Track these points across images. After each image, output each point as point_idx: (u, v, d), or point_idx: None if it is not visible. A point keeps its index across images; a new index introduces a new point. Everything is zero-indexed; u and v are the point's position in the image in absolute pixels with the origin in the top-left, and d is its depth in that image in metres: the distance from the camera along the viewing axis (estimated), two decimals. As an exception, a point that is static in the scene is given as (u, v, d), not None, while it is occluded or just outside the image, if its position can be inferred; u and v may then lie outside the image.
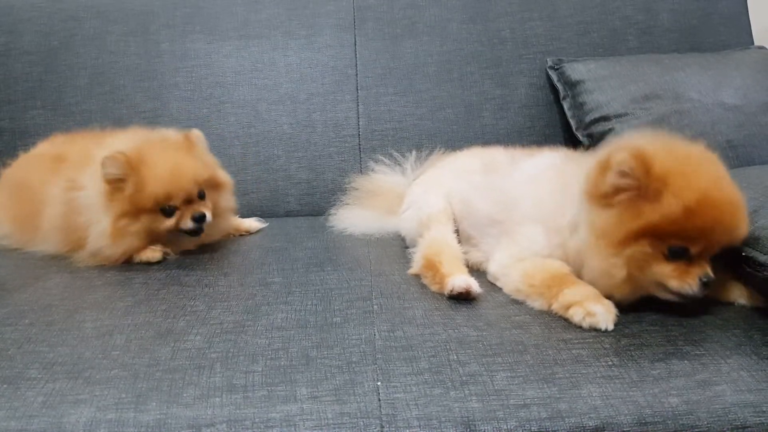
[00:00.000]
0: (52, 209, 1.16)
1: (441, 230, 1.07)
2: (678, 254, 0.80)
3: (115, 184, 1.08)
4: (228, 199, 1.26)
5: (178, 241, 1.15)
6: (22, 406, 0.66)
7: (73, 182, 1.14)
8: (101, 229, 1.09)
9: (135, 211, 1.09)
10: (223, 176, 1.25)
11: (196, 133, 1.22)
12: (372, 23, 1.67)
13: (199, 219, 1.12)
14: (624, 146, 0.82)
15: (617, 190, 0.81)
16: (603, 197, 0.82)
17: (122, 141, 1.15)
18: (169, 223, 1.11)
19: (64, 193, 1.15)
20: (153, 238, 1.13)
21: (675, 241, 0.80)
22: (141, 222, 1.10)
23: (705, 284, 0.80)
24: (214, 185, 1.20)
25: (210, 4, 1.68)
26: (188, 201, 1.12)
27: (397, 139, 1.58)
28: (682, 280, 0.80)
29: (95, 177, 1.10)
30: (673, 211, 0.78)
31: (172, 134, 1.19)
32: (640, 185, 0.79)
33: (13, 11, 1.65)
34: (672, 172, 0.79)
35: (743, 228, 0.82)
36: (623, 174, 0.80)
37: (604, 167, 0.82)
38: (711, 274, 0.81)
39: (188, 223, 1.12)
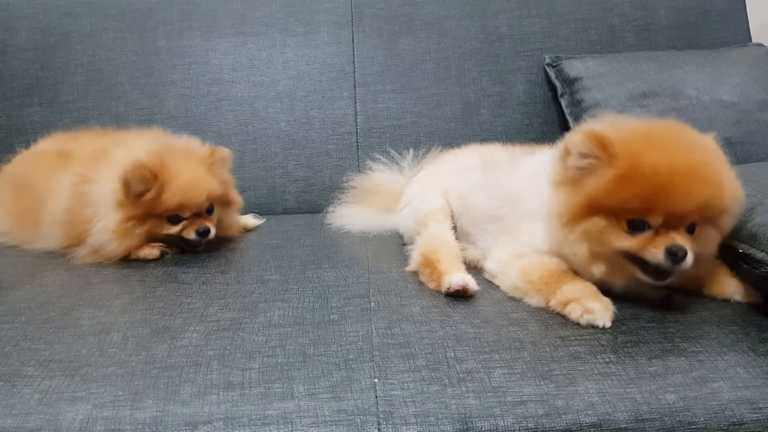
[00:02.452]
0: (56, 204, 1.17)
1: (438, 227, 1.07)
2: (639, 227, 0.79)
3: (137, 194, 1.09)
4: (233, 217, 1.29)
5: (177, 244, 1.17)
6: (18, 403, 0.66)
7: (84, 176, 1.15)
8: (106, 224, 1.10)
9: (145, 216, 1.11)
10: (235, 196, 1.29)
11: (223, 151, 1.24)
12: (369, 20, 1.66)
13: (203, 233, 1.14)
14: (578, 130, 0.85)
15: (582, 172, 0.82)
16: (570, 183, 0.84)
17: (141, 144, 1.16)
18: (173, 230, 1.14)
19: (72, 188, 1.15)
20: (152, 239, 1.14)
21: (630, 215, 0.79)
22: (146, 225, 1.12)
23: (674, 254, 0.77)
24: (225, 203, 1.24)
25: (207, 1, 1.67)
26: (197, 214, 1.15)
27: (395, 137, 1.58)
28: (646, 249, 0.78)
29: (110, 173, 1.11)
30: (607, 181, 0.78)
31: (196, 144, 1.22)
32: (602, 162, 0.80)
33: (9, 8, 1.64)
34: (619, 144, 0.80)
35: (702, 193, 0.77)
36: (584, 155, 0.81)
37: (564, 154, 0.84)
38: (680, 243, 0.77)
39: (191, 235, 1.14)
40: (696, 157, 0.79)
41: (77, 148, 1.27)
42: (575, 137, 0.83)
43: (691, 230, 0.80)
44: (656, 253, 0.78)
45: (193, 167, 1.15)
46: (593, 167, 0.81)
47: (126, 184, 1.08)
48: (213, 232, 1.16)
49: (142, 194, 1.09)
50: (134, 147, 1.14)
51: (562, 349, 0.74)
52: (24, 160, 1.35)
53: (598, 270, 0.84)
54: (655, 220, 0.78)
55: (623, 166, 0.78)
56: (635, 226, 0.79)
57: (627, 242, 0.80)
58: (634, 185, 0.78)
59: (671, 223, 0.78)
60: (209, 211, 1.18)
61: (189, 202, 1.12)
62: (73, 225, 1.13)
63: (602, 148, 0.80)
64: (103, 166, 1.14)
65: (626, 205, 0.79)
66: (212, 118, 1.58)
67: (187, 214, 1.13)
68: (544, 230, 0.91)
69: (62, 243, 1.16)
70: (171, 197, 1.10)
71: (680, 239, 0.78)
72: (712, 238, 0.83)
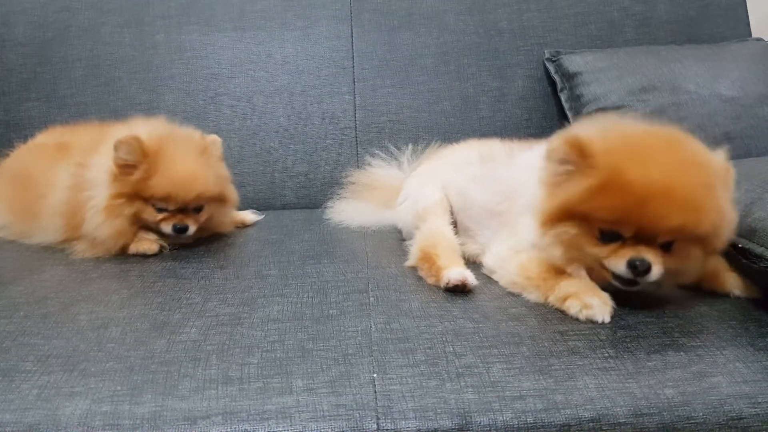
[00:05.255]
0: (55, 196, 1.17)
1: (437, 222, 1.07)
2: (610, 238, 0.79)
3: (124, 168, 1.08)
4: (228, 215, 1.27)
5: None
6: (16, 398, 0.66)
7: (82, 164, 1.14)
8: (98, 202, 1.09)
9: (133, 196, 1.10)
10: (231, 193, 1.25)
11: (215, 140, 1.22)
12: (369, 15, 1.66)
13: (180, 230, 1.12)
14: (561, 134, 0.84)
15: (562, 177, 0.82)
16: (551, 186, 0.83)
17: (144, 127, 1.15)
18: (155, 218, 1.12)
19: (70, 178, 1.15)
20: (141, 224, 1.13)
21: (601, 225, 0.79)
22: (134, 207, 1.11)
23: (634, 267, 0.77)
24: (219, 201, 1.21)
25: (205, -5, 1.67)
26: (181, 209, 1.12)
27: (394, 132, 1.58)
28: (609, 258, 0.79)
29: (104, 155, 1.11)
30: (582, 190, 0.78)
31: (195, 135, 1.19)
32: (578, 169, 0.80)
33: (6, 2, 1.64)
34: (602, 153, 0.78)
35: (675, 217, 0.75)
36: (562, 161, 0.81)
37: (547, 157, 0.84)
38: (644, 257, 0.77)
39: (167, 229, 1.12)
40: (680, 178, 0.76)
41: (75, 139, 1.27)
42: (556, 142, 0.82)
43: (668, 246, 0.79)
44: (618, 264, 0.78)
45: (191, 161, 1.13)
46: (571, 173, 0.81)
47: (115, 149, 1.07)
48: (191, 231, 1.12)
49: (130, 168, 1.08)
50: (135, 129, 1.12)
51: (561, 344, 0.74)
52: (22, 154, 1.35)
53: (577, 273, 0.84)
54: (627, 233, 0.78)
55: (600, 177, 0.77)
56: (607, 235, 0.79)
57: (596, 250, 0.80)
58: (607, 198, 0.77)
59: (643, 237, 0.78)
60: (197, 209, 1.15)
61: (177, 196, 1.10)
62: (72, 215, 1.13)
63: (581, 156, 0.79)
64: (101, 150, 1.14)
65: (597, 214, 0.78)
66: (211, 113, 1.58)
67: (171, 207, 1.11)
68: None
69: (62, 235, 1.16)
70: (159, 185, 1.08)
71: (646, 253, 0.77)
72: (694, 257, 0.81)
